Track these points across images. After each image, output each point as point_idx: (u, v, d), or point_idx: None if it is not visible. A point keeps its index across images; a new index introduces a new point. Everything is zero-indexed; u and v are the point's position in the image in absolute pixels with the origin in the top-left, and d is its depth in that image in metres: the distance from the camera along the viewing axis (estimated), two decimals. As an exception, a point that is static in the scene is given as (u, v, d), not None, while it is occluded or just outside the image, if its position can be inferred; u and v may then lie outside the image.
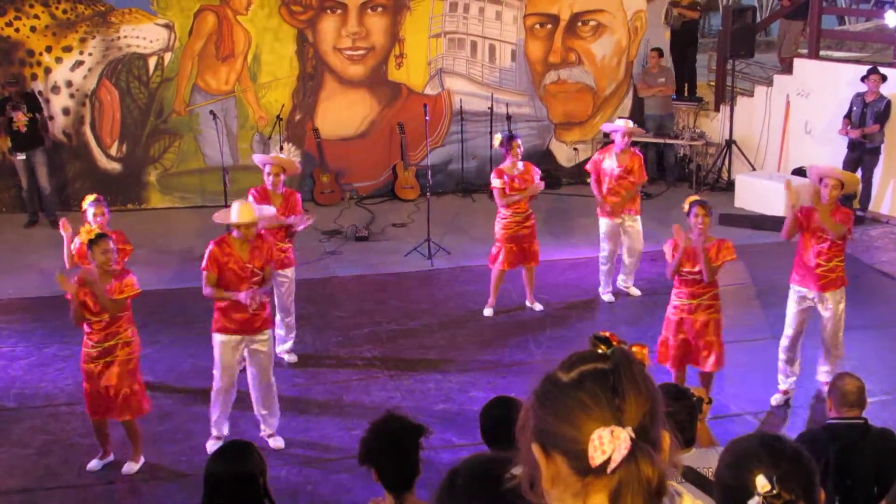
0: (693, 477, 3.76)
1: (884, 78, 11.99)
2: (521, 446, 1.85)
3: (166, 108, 13.51)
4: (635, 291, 10.17)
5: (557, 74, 14.78)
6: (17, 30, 12.89)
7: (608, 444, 1.69)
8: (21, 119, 12.29)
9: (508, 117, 14.27)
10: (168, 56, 13.35)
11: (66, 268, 7.70)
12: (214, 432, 7.12)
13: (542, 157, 14.51)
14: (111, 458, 6.92)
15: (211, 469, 4.12)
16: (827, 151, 12.73)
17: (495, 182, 9.43)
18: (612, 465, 1.69)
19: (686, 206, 7.37)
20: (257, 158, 8.80)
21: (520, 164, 9.44)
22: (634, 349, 2.04)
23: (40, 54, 12.99)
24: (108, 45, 13.17)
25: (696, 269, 7.16)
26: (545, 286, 10.07)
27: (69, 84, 13.17)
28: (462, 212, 13.48)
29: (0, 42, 12.89)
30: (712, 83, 15.42)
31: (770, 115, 14.06)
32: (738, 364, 8.52)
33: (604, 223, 10.00)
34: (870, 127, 12.06)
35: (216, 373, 7.08)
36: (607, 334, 1.84)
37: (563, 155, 15.11)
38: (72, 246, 7.61)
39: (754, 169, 14.08)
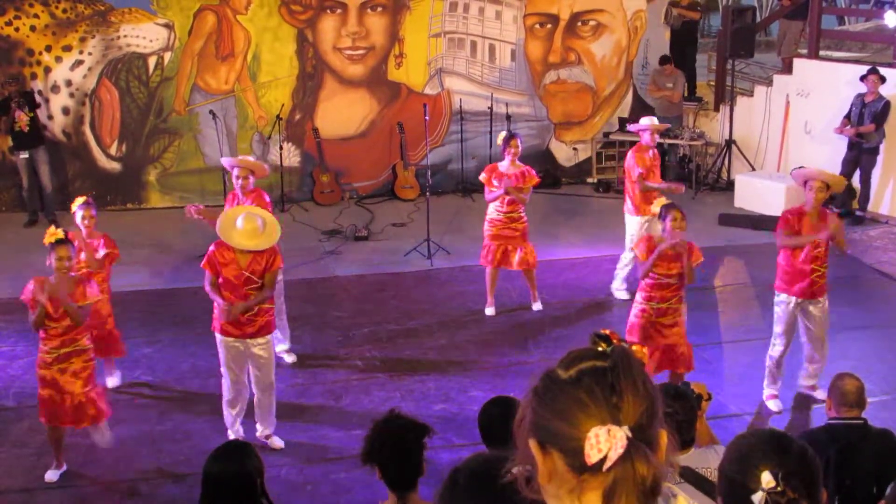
0: (692, 477, 3.76)
1: (883, 79, 11.99)
2: (518, 442, 1.86)
3: (166, 107, 13.51)
4: None
5: (557, 74, 14.78)
6: (16, 29, 12.88)
7: (604, 442, 1.69)
8: (23, 118, 12.29)
9: (508, 117, 14.27)
10: (168, 55, 13.35)
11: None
12: (231, 435, 7.10)
13: (541, 157, 14.52)
14: (64, 467, 6.83)
15: (209, 469, 4.13)
16: (826, 151, 12.74)
17: (482, 175, 9.42)
18: (608, 464, 1.70)
19: (657, 209, 7.35)
20: (225, 161, 8.70)
21: (515, 166, 9.36)
22: (634, 348, 2.04)
23: (40, 53, 12.99)
24: (107, 45, 13.16)
25: (673, 272, 7.13)
26: (544, 286, 10.07)
27: (69, 83, 13.17)
28: (462, 211, 13.48)
29: (0, 41, 12.89)
30: (712, 83, 15.42)
31: (770, 115, 14.06)
32: (737, 364, 8.54)
33: (635, 222, 9.90)
34: (865, 126, 12.06)
35: (221, 370, 7.10)
36: (608, 332, 1.85)
37: (563, 154, 15.11)
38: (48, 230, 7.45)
39: (754, 169, 14.09)
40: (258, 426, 7.22)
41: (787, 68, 14.27)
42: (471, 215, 13.18)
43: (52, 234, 6.62)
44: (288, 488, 6.55)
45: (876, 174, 12.42)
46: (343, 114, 14.02)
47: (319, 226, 12.50)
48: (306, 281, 10.29)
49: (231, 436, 7.05)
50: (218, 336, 7.01)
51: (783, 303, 7.59)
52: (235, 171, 8.27)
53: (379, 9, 13.89)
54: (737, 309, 9.97)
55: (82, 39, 13.07)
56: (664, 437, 1.81)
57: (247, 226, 6.84)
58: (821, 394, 7.27)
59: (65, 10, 12.96)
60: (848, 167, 12.16)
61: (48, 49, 13.00)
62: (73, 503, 6.64)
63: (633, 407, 1.74)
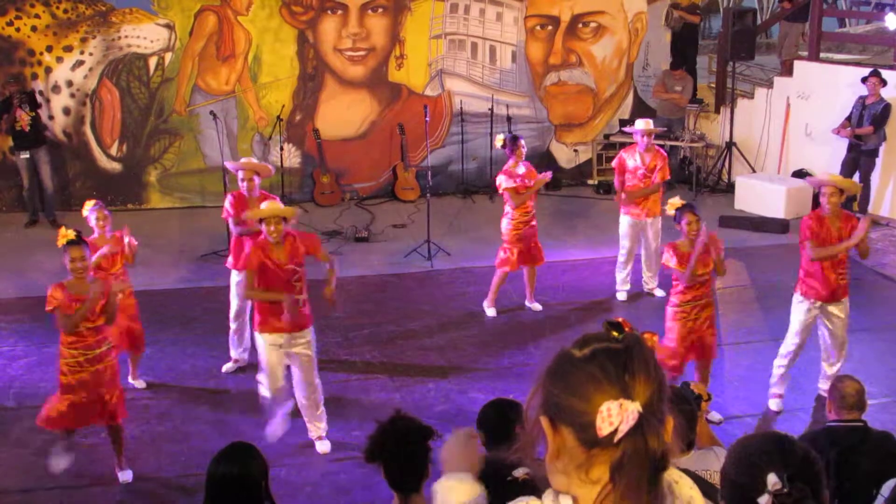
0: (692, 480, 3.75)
1: (883, 81, 11.99)
2: (526, 421, 1.91)
3: (167, 108, 13.51)
4: (660, 292, 10.01)
5: (558, 76, 14.78)
6: (17, 29, 12.88)
7: (616, 415, 1.75)
8: (24, 118, 12.29)
9: (509, 118, 14.27)
10: (169, 56, 13.35)
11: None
12: (277, 417, 7.14)
13: (542, 159, 14.52)
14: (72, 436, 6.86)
15: (213, 470, 4.12)
16: (827, 153, 12.74)
17: (508, 183, 9.34)
18: (619, 436, 1.76)
19: (671, 211, 7.40)
20: (230, 165, 8.70)
21: (522, 166, 9.43)
22: (645, 336, 2.08)
23: (41, 54, 12.99)
24: (108, 45, 13.17)
25: (707, 270, 7.22)
26: (545, 288, 10.07)
27: (70, 84, 13.17)
28: (462, 213, 13.48)
29: (1, 41, 12.89)
30: (713, 85, 15.43)
31: (770, 118, 14.06)
32: (739, 366, 8.53)
33: (625, 221, 10.02)
34: (863, 128, 12.07)
35: (263, 379, 7.04)
36: (620, 320, 1.91)
37: (564, 156, 15.12)
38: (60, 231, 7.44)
39: (754, 171, 14.09)
40: (309, 426, 7.19)
41: (788, 70, 14.28)
42: (471, 217, 13.19)
43: (64, 235, 6.56)
44: (287, 489, 6.55)
45: (876, 176, 12.43)
46: (343, 115, 14.02)
47: (320, 227, 12.50)
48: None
49: (277, 419, 7.06)
50: (262, 338, 6.96)
51: (803, 305, 7.59)
52: (240, 174, 8.26)
53: (380, 10, 13.90)
54: (737, 311, 9.97)
55: (83, 40, 13.08)
56: (671, 422, 1.86)
57: (271, 203, 7.00)
58: None
59: (66, 11, 12.96)
60: (847, 169, 12.17)
61: (49, 49, 13.00)
62: (73, 503, 6.64)
63: (644, 387, 1.80)
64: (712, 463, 3.83)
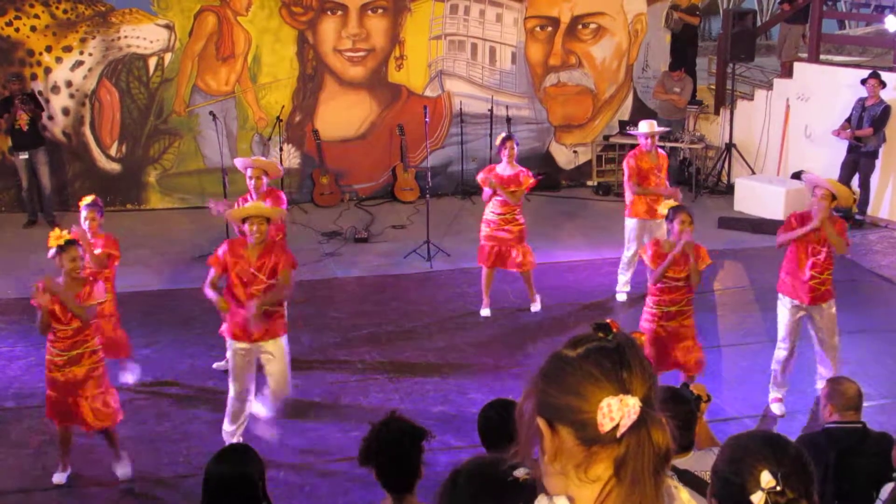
0: (691, 481, 3.75)
1: (883, 83, 12.00)
2: (521, 425, 1.90)
3: (166, 108, 13.51)
4: None
5: (557, 77, 14.79)
6: (17, 29, 12.88)
7: (617, 410, 1.75)
8: (23, 117, 12.28)
9: (508, 119, 14.28)
10: (168, 56, 13.35)
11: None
12: (226, 439, 7.07)
13: (541, 160, 14.53)
14: (70, 470, 6.77)
15: (211, 471, 4.13)
16: (826, 155, 12.75)
17: (480, 175, 9.41)
18: (621, 431, 1.75)
19: (664, 212, 7.37)
20: (238, 162, 8.64)
21: (512, 167, 9.36)
22: (634, 335, 2.08)
23: (40, 54, 12.99)
24: (108, 46, 13.17)
25: (682, 275, 7.15)
26: (544, 289, 10.07)
27: (69, 84, 13.17)
28: (461, 214, 13.48)
29: (0, 41, 12.89)
30: (712, 86, 15.43)
31: (770, 119, 14.07)
32: (736, 367, 8.53)
33: (631, 223, 10.02)
34: (862, 130, 12.07)
35: (230, 378, 7.02)
36: (608, 321, 1.90)
37: (563, 157, 15.12)
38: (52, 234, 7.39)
39: (754, 172, 14.09)
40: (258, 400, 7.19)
41: (788, 72, 14.28)
42: (471, 218, 13.18)
43: (58, 237, 6.51)
44: (286, 489, 6.54)
45: (875, 178, 12.43)
46: (343, 115, 14.03)
47: (319, 227, 12.50)
48: (306, 282, 10.26)
49: (225, 440, 7.01)
50: (228, 341, 6.98)
51: (783, 305, 7.58)
52: (248, 172, 8.25)
53: (379, 11, 13.90)
54: (736, 312, 9.97)
55: (83, 40, 13.07)
56: (664, 420, 1.85)
57: (255, 202, 7.01)
58: None
59: (65, 11, 12.96)
60: (846, 171, 12.18)
61: (48, 49, 13.00)
62: (71, 504, 6.64)
63: (640, 382, 1.81)
64: (711, 464, 3.82)
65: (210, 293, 6.89)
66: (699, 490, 3.72)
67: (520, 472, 2.71)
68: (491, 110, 14.27)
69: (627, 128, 14.31)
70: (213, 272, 6.87)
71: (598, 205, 14.08)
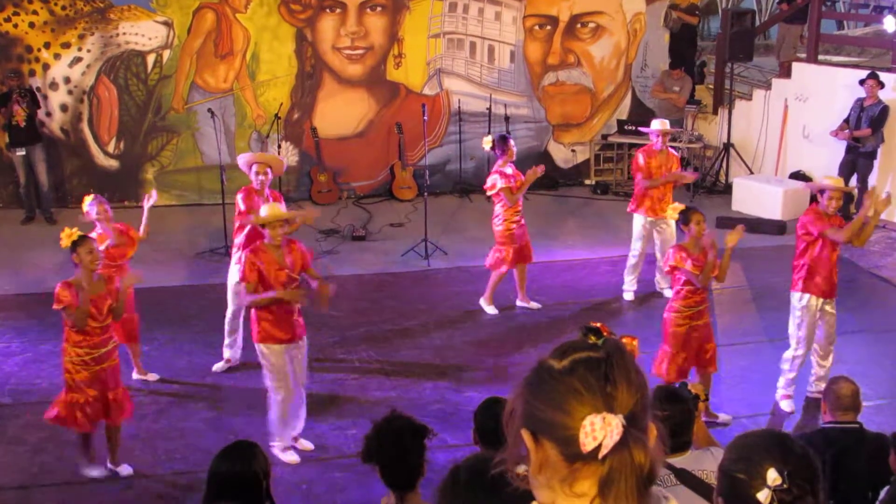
0: (689, 480, 3.76)
1: (881, 84, 12.00)
2: (507, 435, 1.87)
3: (164, 105, 13.50)
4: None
5: (556, 76, 14.79)
6: (15, 25, 12.87)
7: (599, 430, 1.71)
8: (20, 113, 12.27)
9: (506, 118, 14.28)
10: (167, 53, 13.34)
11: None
12: (288, 446, 7.06)
13: (539, 159, 14.50)
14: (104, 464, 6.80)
15: (217, 468, 4.12)
16: (824, 155, 12.75)
17: (503, 182, 9.33)
18: (604, 451, 1.72)
19: (675, 216, 7.41)
20: (242, 159, 8.57)
21: (509, 167, 9.42)
22: (625, 340, 2.06)
23: (38, 50, 12.98)
24: (106, 42, 13.15)
25: (715, 273, 7.22)
26: (542, 287, 10.07)
27: (67, 80, 13.16)
28: (459, 212, 13.48)
29: (-2, 38, 12.90)
30: (711, 86, 15.44)
31: (768, 119, 14.07)
32: (733, 367, 8.53)
33: (639, 221, 10.01)
34: (861, 130, 12.08)
35: (272, 384, 6.92)
36: (598, 325, 1.87)
37: (561, 156, 15.11)
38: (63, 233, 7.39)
39: (752, 172, 14.10)
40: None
41: (786, 72, 14.29)
42: (468, 216, 13.19)
43: (70, 234, 6.51)
44: (284, 487, 6.54)
45: (873, 178, 12.43)
46: (341, 113, 14.02)
47: (317, 225, 12.49)
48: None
49: (277, 443, 6.99)
50: (267, 348, 6.86)
51: (807, 304, 7.60)
52: (254, 168, 8.24)
53: (378, 9, 13.89)
54: (733, 312, 9.98)
55: (81, 36, 13.06)
56: (654, 431, 1.82)
57: (271, 204, 6.98)
58: None
59: (64, 7, 12.94)
60: (845, 171, 12.17)
61: (47, 46, 12.99)
62: (69, 500, 6.63)
63: (626, 396, 1.76)
64: (709, 463, 3.83)
65: (251, 300, 6.81)
66: (696, 489, 3.73)
67: (521, 469, 2.70)
68: (489, 109, 14.27)
69: (629, 126, 14.33)
70: (245, 287, 6.81)
71: (596, 204, 14.08)
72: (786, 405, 7.70)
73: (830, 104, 12.89)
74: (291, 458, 6.98)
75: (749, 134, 14.36)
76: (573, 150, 15.15)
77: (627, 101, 15.15)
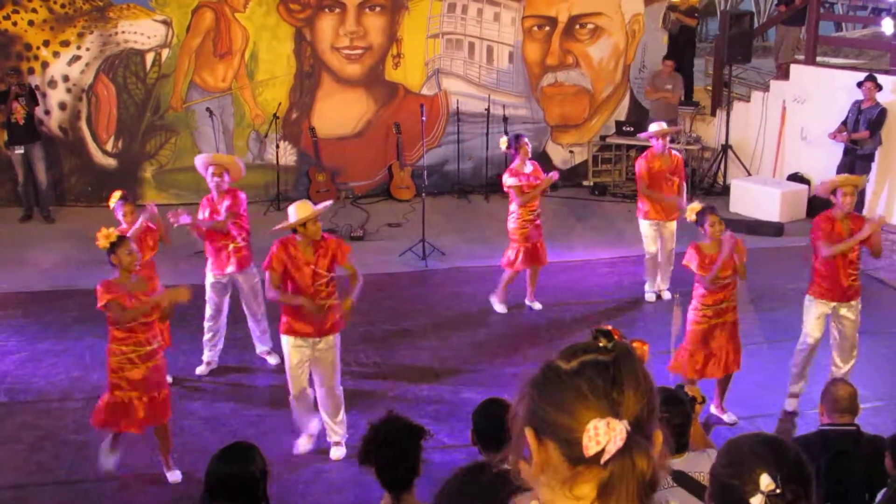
0: (686, 482, 3.76)
1: (879, 87, 12.01)
2: (511, 432, 1.88)
3: (163, 104, 13.49)
4: (668, 294, 10.01)
5: (555, 76, 14.79)
6: (14, 23, 12.87)
7: (603, 434, 1.71)
8: (19, 110, 12.26)
9: (505, 119, 14.28)
10: (165, 52, 13.33)
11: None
12: (304, 434, 7.10)
13: (537, 160, 14.43)
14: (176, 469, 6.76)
15: (214, 468, 4.11)
16: (822, 157, 12.76)
17: (511, 181, 9.37)
18: (606, 457, 1.71)
19: (693, 216, 7.42)
20: (199, 160, 8.43)
21: (528, 165, 9.49)
22: (635, 344, 2.05)
23: (38, 48, 12.97)
24: (105, 41, 13.15)
25: (727, 273, 7.22)
26: (540, 288, 10.07)
27: (66, 79, 13.15)
28: (457, 213, 13.48)
29: (-3, 36, 12.89)
30: (709, 88, 15.44)
31: (766, 121, 14.08)
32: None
33: (645, 225, 10.03)
34: (859, 133, 12.09)
35: (288, 378, 6.96)
36: (609, 328, 1.87)
37: (560, 157, 15.11)
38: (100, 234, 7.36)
39: (750, 174, 14.11)
40: (328, 432, 7.11)
41: (784, 74, 14.29)
42: (466, 216, 13.19)
43: (108, 235, 6.39)
44: (281, 487, 6.53)
45: (871, 180, 12.45)
46: (340, 113, 14.01)
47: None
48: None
49: (303, 434, 7.03)
50: (284, 340, 6.88)
51: (814, 306, 7.63)
52: (210, 170, 8.13)
53: (377, 9, 13.89)
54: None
55: (80, 35, 13.05)
56: (660, 437, 1.82)
57: (301, 204, 6.75)
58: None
59: (63, 6, 12.94)
60: (842, 173, 12.16)
61: (46, 44, 12.98)
62: (66, 499, 6.63)
63: (633, 402, 1.76)
64: (705, 465, 3.83)
65: (274, 294, 6.77)
66: (693, 490, 3.73)
67: (522, 467, 2.69)
68: (488, 109, 14.26)
69: (627, 127, 14.33)
70: (269, 276, 6.73)
71: (594, 205, 14.08)
72: (788, 404, 7.73)
73: (828, 106, 12.90)
74: (303, 445, 7.08)
75: (747, 136, 14.37)
76: (571, 152, 15.15)
77: (626, 102, 15.15)
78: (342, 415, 7.10)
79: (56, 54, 13.04)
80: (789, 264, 10.58)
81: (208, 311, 8.40)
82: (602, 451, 1.71)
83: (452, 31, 14.31)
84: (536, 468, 1.81)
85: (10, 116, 12.28)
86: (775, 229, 12.46)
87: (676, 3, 15.05)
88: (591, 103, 15.03)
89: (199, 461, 6.19)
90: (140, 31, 13.19)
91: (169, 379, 8.14)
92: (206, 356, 8.46)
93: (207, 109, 13.00)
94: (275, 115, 13.48)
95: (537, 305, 9.84)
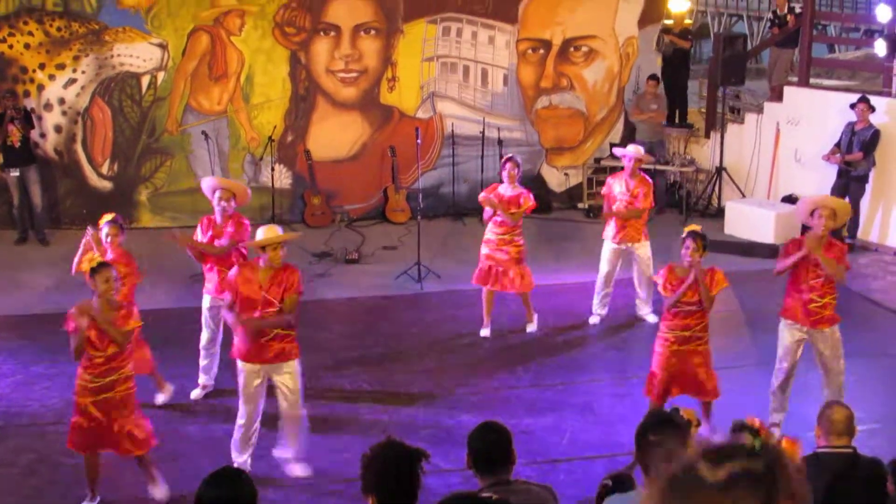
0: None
1: (872, 108, 12.07)
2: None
3: (158, 127, 13.51)
4: (652, 318, 9.99)
5: (549, 99, 14.83)
6: (10, 46, 12.89)
7: None
8: (15, 133, 12.27)
9: (500, 142, 14.31)
10: (161, 75, 13.36)
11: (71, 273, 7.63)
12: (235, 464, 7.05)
13: (532, 182, 14.52)
14: (98, 499, 6.71)
15: (203, 494, 4.08)
16: (816, 179, 12.80)
17: (481, 195, 9.61)
18: None
19: (683, 234, 7.47)
20: (206, 183, 8.49)
21: (510, 189, 9.50)
22: (785, 443, 1.87)
23: (33, 71, 12.99)
24: (101, 64, 13.18)
25: (694, 299, 7.21)
26: (535, 311, 10.06)
27: (62, 101, 13.16)
28: (452, 235, 13.48)
29: (-7, 59, 12.91)
30: (703, 110, 15.49)
31: (760, 143, 14.13)
32: (726, 391, 8.50)
33: (605, 246, 10.11)
34: (853, 154, 12.14)
35: (239, 403, 7.00)
36: (756, 424, 1.73)
37: (554, 180, 15.15)
38: (86, 257, 7.36)
39: (744, 196, 14.14)
40: (278, 447, 7.14)
41: (778, 96, 14.35)
42: (462, 239, 13.18)
43: (91, 259, 6.51)
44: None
45: (865, 202, 12.49)
46: (335, 136, 14.04)
47: (310, 248, 12.47)
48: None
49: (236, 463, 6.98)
50: (238, 363, 6.97)
51: (783, 328, 7.68)
52: (217, 194, 8.18)
53: (372, 32, 13.94)
54: (725, 336, 9.95)
55: (76, 58, 13.08)
56: None
57: (268, 227, 6.91)
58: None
59: (59, 29, 12.97)
60: (836, 195, 12.19)
61: (42, 67, 13.01)
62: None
63: None
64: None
65: (228, 316, 6.90)
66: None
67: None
68: (483, 132, 14.30)
69: (613, 150, 14.38)
70: (227, 296, 6.88)
71: (588, 227, 14.08)
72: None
73: (822, 128, 12.95)
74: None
75: (741, 158, 14.41)
76: (566, 174, 15.18)
77: (620, 124, 15.19)
78: (300, 440, 7.13)
79: (52, 77, 13.06)
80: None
81: (204, 335, 8.39)
82: None
83: (447, 55, 14.36)
84: None
85: (5, 139, 12.28)
86: (770, 251, 12.46)
87: (670, 25, 15.13)
88: (586, 126, 15.07)
89: (194, 485, 6.16)
90: (136, 55, 13.22)
91: (161, 400, 8.14)
92: (201, 379, 8.45)
93: (203, 132, 13.01)
94: (270, 137, 13.50)
95: (532, 328, 9.83)
